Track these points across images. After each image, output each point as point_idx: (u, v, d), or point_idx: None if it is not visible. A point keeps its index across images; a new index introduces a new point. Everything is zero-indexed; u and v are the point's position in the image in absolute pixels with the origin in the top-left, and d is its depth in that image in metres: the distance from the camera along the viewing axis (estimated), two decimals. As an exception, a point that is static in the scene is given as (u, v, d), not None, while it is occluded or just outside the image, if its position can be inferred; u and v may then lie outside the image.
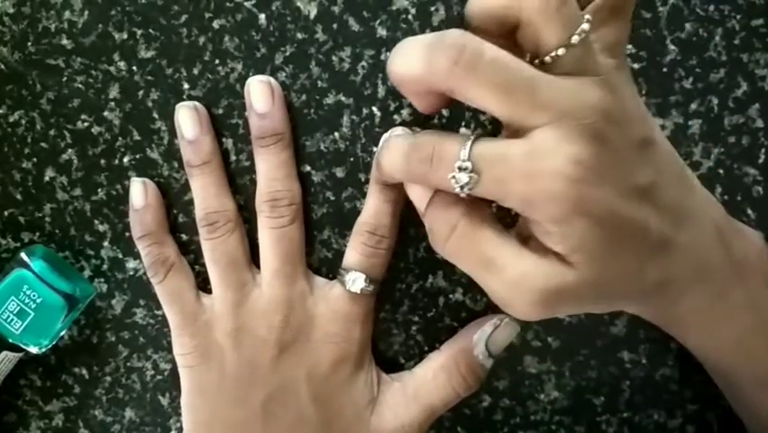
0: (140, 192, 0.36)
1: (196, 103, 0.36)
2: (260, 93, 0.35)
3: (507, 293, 0.28)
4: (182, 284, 0.36)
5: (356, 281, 0.35)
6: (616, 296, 0.29)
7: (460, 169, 0.27)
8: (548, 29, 0.26)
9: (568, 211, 0.26)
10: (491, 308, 0.37)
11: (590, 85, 0.27)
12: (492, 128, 0.36)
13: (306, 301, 0.35)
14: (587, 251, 0.27)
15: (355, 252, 0.35)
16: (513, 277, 0.28)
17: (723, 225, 0.31)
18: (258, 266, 0.36)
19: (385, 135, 0.34)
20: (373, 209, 0.35)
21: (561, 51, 0.26)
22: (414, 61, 0.27)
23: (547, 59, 0.27)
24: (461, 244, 0.28)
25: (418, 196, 0.31)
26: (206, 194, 0.36)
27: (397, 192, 0.35)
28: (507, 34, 0.27)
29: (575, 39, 0.26)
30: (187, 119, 0.35)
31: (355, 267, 0.35)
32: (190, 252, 0.37)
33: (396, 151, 0.29)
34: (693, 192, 0.31)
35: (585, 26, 0.26)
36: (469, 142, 0.27)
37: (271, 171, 0.35)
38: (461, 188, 0.27)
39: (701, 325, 0.32)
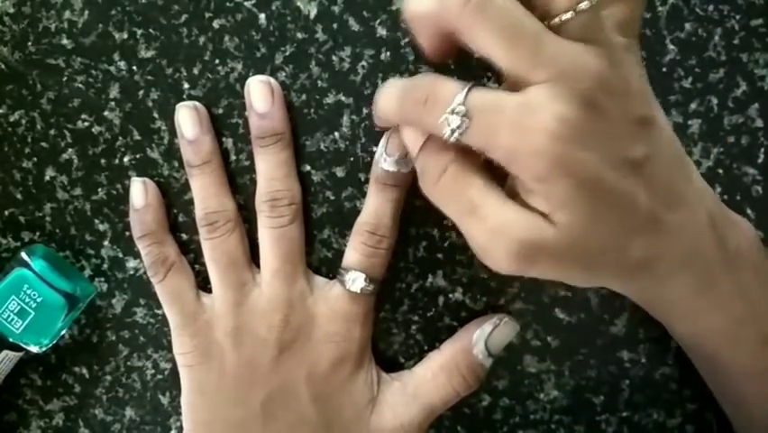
0: (140, 192, 0.36)
1: (196, 103, 0.36)
2: (260, 93, 0.35)
3: (487, 241, 0.28)
4: (182, 284, 0.36)
5: (356, 281, 0.35)
6: (597, 266, 0.29)
7: (452, 112, 0.27)
8: None
9: (550, 168, 0.26)
10: (491, 308, 0.37)
11: (593, 52, 0.27)
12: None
13: (306, 301, 0.35)
14: (568, 211, 0.27)
15: (355, 251, 0.35)
16: (494, 225, 0.28)
17: (717, 214, 0.31)
18: (258, 266, 0.36)
19: (386, 135, 0.35)
20: (373, 209, 0.35)
21: (569, 15, 0.27)
22: (427, 0, 0.28)
23: (555, 20, 0.27)
24: (449, 188, 0.29)
25: (411, 139, 0.31)
26: (206, 194, 0.36)
27: (397, 192, 0.35)
28: None
29: (584, 5, 0.27)
30: (187, 119, 0.35)
31: (355, 267, 0.35)
32: (190, 251, 0.37)
33: (391, 93, 0.30)
34: (689, 178, 0.31)
35: None
36: (465, 88, 0.27)
37: (271, 171, 0.35)
38: (452, 132, 0.27)
39: (688, 311, 0.32)
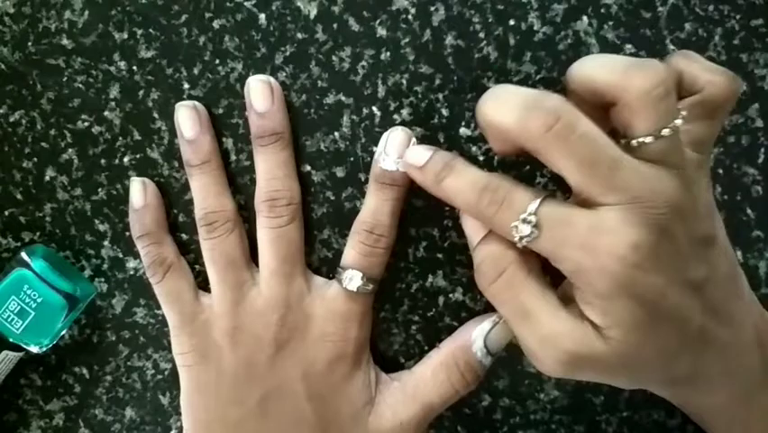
0: (139, 192, 0.36)
1: (196, 102, 0.36)
2: (259, 92, 0.35)
3: (537, 347, 0.29)
4: (181, 284, 0.36)
5: (353, 280, 0.35)
6: (642, 376, 0.30)
7: (524, 220, 0.28)
8: (643, 116, 0.27)
9: (615, 289, 0.27)
10: (491, 308, 0.37)
11: (668, 177, 0.27)
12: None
13: (304, 300, 0.35)
14: (624, 329, 0.28)
15: (353, 250, 0.35)
16: (545, 334, 0.29)
17: (762, 328, 0.32)
18: (258, 265, 0.36)
19: (385, 135, 0.34)
20: (372, 208, 0.35)
21: (649, 140, 0.27)
22: (508, 115, 0.28)
23: (634, 143, 0.28)
24: (504, 289, 0.30)
25: (473, 229, 0.32)
26: (206, 194, 0.36)
27: (396, 191, 0.35)
28: (601, 106, 0.28)
29: (666, 132, 0.27)
30: (187, 119, 0.35)
31: (353, 266, 0.35)
32: (190, 251, 0.37)
33: (467, 182, 0.30)
34: (741, 294, 0.31)
35: (678, 122, 0.27)
36: (539, 198, 0.28)
37: (270, 171, 0.35)
38: (521, 238, 0.28)
39: (728, 420, 0.33)
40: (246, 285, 0.35)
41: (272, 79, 0.35)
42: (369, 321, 0.36)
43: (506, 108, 0.28)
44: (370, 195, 0.35)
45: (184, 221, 0.37)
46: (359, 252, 0.35)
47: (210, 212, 0.35)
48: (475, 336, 0.35)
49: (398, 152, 0.34)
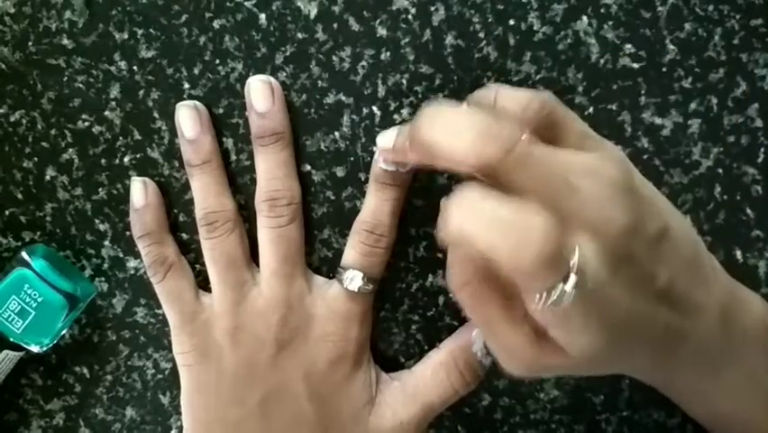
0: (140, 192, 0.36)
1: (197, 102, 0.36)
2: (260, 92, 0.35)
3: (499, 353, 0.29)
4: (181, 284, 0.36)
5: (354, 280, 0.35)
6: (609, 369, 0.30)
7: None
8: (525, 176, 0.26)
9: (579, 318, 0.26)
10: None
11: (619, 201, 0.26)
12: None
13: (305, 300, 0.35)
14: (587, 348, 0.27)
15: (353, 250, 0.35)
16: (505, 345, 0.28)
17: (728, 303, 0.31)
18: (259, 265, 0.36)
19: (382, 135, 0.34)
20: (372, 208, 0.35)
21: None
22: (462, 145, 0.26)
23: None
24: (470, 299, 0.29)
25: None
26: (206, 193, 0.36)
27: (396, 191, 0.35)
28: None
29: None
30: (188, 118, 0.35)
31: (353, 265, 0.35)
32: (191, 251, 0.37)
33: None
34: (703, 277, 0.30)
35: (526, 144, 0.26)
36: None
37: (271, 171, 0.35)
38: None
39: (699, 396, 0.33)
40: (247, 285, 0.35)
41: (273, 79, 0.35)
42: (369, 321, 0.36)
43: (459, 139, 0.26)
44: (370, 195, 0.35)
45: (184, 221, 0.37)
46: (359, 252, 0.35)
47: (210, 212, 0.35)
48: (475, 336, 0.35)
49: None
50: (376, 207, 0.35)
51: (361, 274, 0.35)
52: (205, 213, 0.35)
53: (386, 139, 0.32)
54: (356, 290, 0.35)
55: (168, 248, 0.36)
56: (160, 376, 0.38)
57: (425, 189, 0.36)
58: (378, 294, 0.36)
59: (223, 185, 0.36)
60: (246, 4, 0.36)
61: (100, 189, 0.37)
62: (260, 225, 0.35)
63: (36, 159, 0.37)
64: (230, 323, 0.35)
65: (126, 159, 0.37)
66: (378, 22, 0.36)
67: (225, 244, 0.35)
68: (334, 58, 0.36)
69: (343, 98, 0.36)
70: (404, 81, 0.36)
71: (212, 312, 0.36)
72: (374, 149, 0.36)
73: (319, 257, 0.37)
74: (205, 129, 0.36)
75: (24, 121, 0.37)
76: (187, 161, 0.36)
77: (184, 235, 0.37)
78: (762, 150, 0.36)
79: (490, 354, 0.35)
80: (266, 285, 0.35)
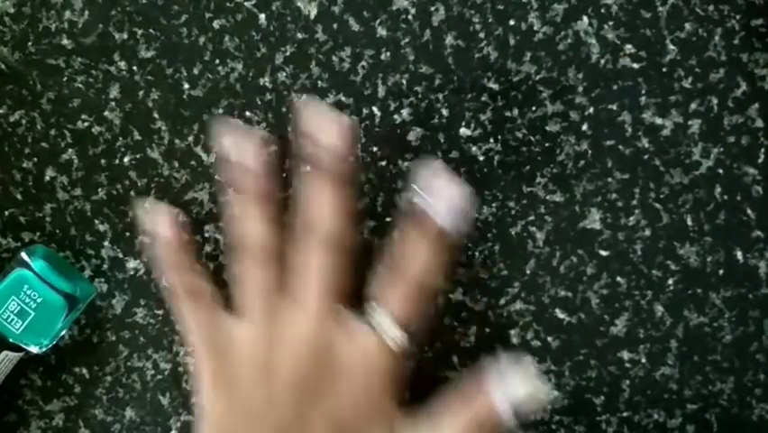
0: (165, 224, 0.35)
1: (263, 132, 0.35)
2: (327, 124, 0.33)
3: None
4: (210, 310, 0.35)
5: (386, 324, 0.33)
6: None
7: None
8: None
9: None
10: (490, 308, 0.37)
11: None
12: (492, 128, 0.36)
13: (334, 339, 0.34)
14: None
15: (390, 296, 0.34)
16: None
17: None
18: (296, 300, 0.35)
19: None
20: (407, 255, 0.34)
21: None
22: None
23: None
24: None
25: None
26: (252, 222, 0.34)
27: (443, 246, 0.34)
28: None
29: None
30: (248, 148, 0.34)
31: (386, 309, 0.34)
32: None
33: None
34: None
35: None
36: None
37: (322, 204, 0.34)
38: None
39: None
40: (281, 319, 0.34)
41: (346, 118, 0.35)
42: (399, 362, 0.35)
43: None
44: (408, 239, 0.34)
45: (184, 221, 0.37)
46: (396, 298, 0.34)
47: (253, 240, 0.34)
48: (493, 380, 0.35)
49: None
50: (413, 254, 0.34)
51: (395, 320, 0.34)
52: (245, 240, 0.34)
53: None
54: (387, 334, 0.34)
55: (197, 275, 0.35)
56: (159, 377, 0.38)
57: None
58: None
59: (270, 215, 0.35)
60: (246, 4, 0.36)
61: (100, 190, 0.37)
62: (303, 259, 0.34)
63: (36, 159, 0.37)
64: (258, 355, 0.34)
65: (126, 159, 0.37)
66: (378, 22, 0.36)
67: (262, 274, 0.34)
68: (334, 58, 0.36)
69: (343, 98, 0.36)
70: (404, 81, 0.36)
71: (240, 341, 0.34)
72: (374, 149, 0.36)
73: (319, 257, 0.37)
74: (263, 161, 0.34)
75: (24, 121, 0.37)
76: (235, 187, 0.35)
77: (184, 236, 0.37)
78: (762, 150, 0.36)
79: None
80: (299, 320, 0.34)
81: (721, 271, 0.36)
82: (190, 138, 0.37)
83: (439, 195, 0.33)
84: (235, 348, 0.34)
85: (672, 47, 0.36)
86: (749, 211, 0.36)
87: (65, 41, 0.36)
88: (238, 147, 0.34)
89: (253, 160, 0.34)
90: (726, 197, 0.36)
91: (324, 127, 0.33)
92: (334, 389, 0.33)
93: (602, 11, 0.35)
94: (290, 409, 0.33)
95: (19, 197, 0.37)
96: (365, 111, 0.36)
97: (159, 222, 0.35)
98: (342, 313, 0.34)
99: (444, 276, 0.35)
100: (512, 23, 0.35)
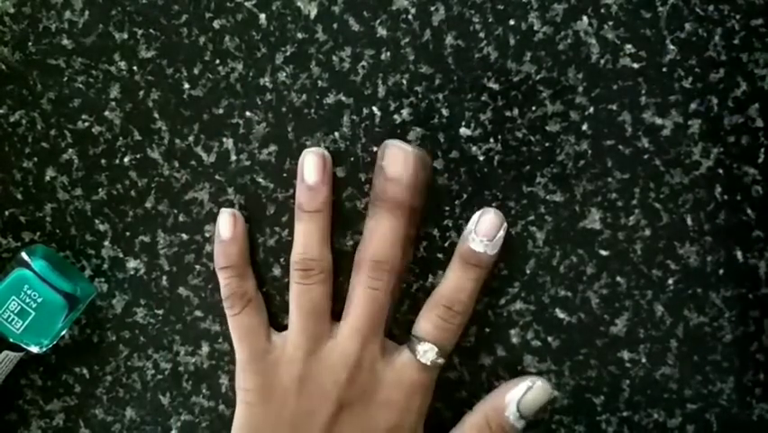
0: (228, 224, 0.36)
1: (325, 151, 0.36)
2: (313, 165, 0.35)
3: None
4: (256, 320, 0.36)
5: (428, 353, 0.35)
6: None
7: None
8: None
9: None
10: (490, 308, 0.37)
11: None
12: (492, 128, 0.36)
13: (376, 364, 0.35)
14: None
15: (430, 323, 0.35)
16: None
17: None
18: (344, 319, 0.36)
19: (477, 214, 0.35)
20: (453, 285, 0.35)
21: None
22: None
23: None
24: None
25: None
26: (310, 240, 0.35)
27: (480, 272, 0.35)
28: None
29: None
30: (313, 165, 0.35)
31: (428, 338, 0.35)
32: (190, 251, 0.37)
33: None
34: None
35: None
36: None
37: (383, 235, 0.35)
38: None
39: None
40: (324, 337, 0.35)
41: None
42: (431, 392, 0.36)
43: None
44: (452, 270, 0.35)
45: (184, 221, 0.37)
46: (435, 325, 0.35)
47: (309, 259, 0.35)
48: (509, 399, 0.35)
49: (489, 234, 0.34)
50: (457, 284, 0.35)
51: (436, 349, 0.35)
52: (303, 258, 0.35)
53: (486, 224, 0.34)
54: (428, 363, 0.35)
55: (248, 282, 0.36)
56: (159, 377, 0.38)
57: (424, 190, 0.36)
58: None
59: (327, 236, 0.36)
60: (246, 4, 0.36)
61: (100, 190, 0.37)
62: (358, 283, 0.35)
63: (36, 159, 0.37)
64: (300, 371, 0.35)
65: (126, 159, 0.37)
66: (378, 22, 0.36)
67: (315, 292, 0.35)
68: (334, 58, 0.36)
69: (343, 98, 0.36)
70: (404, 81, 0.36)
71: (283, 354, 0.35)
72: (374, 149, 0.36)
73: (319, 257, 0.37)
74: (326, 179, 0.35)
75: (24, 121, 0.37)
76: (300, 204, 0.35)
77: (184, 236, 0.37)
78: (762, 150, 0.36)
79: (523, 417, 0.35)
80: (344, 342, 0.35)
81: (721, 271, 0.36)
82: (190, 138, 0.37)
83: (486, 230, 0.35)
84: (277, 358, 0.36)
85: (672, 47, 0.36)
86: (749, 211, 0.36)
87: (65, 41, 0.36)
88: (310, 168, 0.35)
89: (322, 180, 0.35)
90: (726, 197, 0.36)
91: (394, 159, 0.34)
92: (369, 409, 0.35)
93: (602, 11, 0.35)
94: (324, 423, 0.35)
95: (19, 197, 0.37)
96: (365, 111, 0.36)
97: (223, 220, 0.36)
98: (382, 337, 0.36)
99: (476, 298, 0.36)
100: (512, 22, 0.35)
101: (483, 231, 0.35)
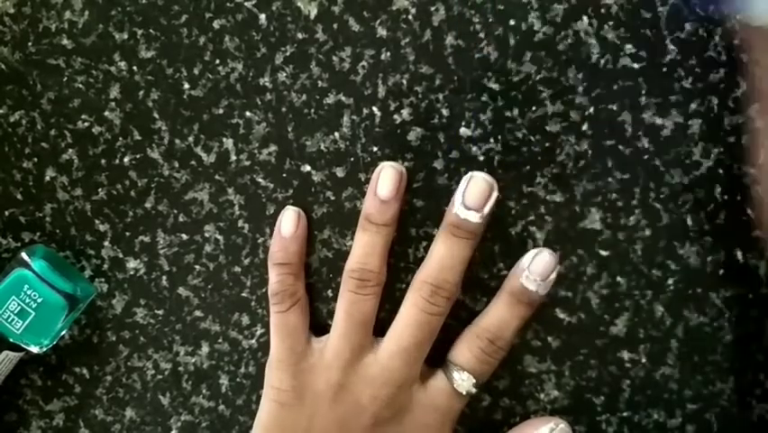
0: (292, 221, 0.36)
1: (403, 168, 0.36)
2: (389, 179, 0.35)
3: None
4: (301, 321, 0.36)
5: (465, 382, 0.35)
6: None
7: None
8: None
9: None
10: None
11: None
12: (492, 128, 0.36)
13: (413, 385, 0.35)
14: None
15: (470, 354, 0.35)
16: None
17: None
18: (387, 337, 0.36)
19: (532, 252, 0.35)
20: (499, 319, 0.35)
21: None
22: None
23: None
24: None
25: None
26: (371, 251, 0.35)
27: (528, 311, 0.35)
28: None
29: None
30: (389, 179, 0.35)
31: (467, 368, 0.35)
32: (190, 251, 0.37)
33: None
34: None
35: None
36: None
37: (443, 259, 0.35)
38: None
39: None
40: (365, 350, 0.35)
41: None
42: (458, 418, 0.36)
43: None
44: (500, 305, 0.35)
45: (184, 221, 0.37)
46: (476, 356, 0.35)
47: (369, 270, 0.35)
48: None
49: (544, 275, 0.34)
50: (503, 319, 0.35)
51: (473, 380, 0.35)
52: (362, 268, 0.35)
53: (543, 264, 0.34)
54: (463, 392, 0.35)
55: (299, 282, 0.36)
56: (159, 377, 0.38)
57: (425, 189, 0.36)
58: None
59: (386, 251, 0.36)
60: (246, 4, 0.36)
61: (100, 190, 0.37)
62: (412, 303, 0.35)
63: (36, 159, 0.37)
64: (338, 379, 0.35)
65: (126, 159, 0.37)
66: (378, 22, 0.36)
67: (366, 303, 0.35)
68: (334, 58, 0.36)
69: (343, 98, 0.36)
70: (404, 81, 0.36)
71: (321, 360, 0.35)
72: (375, 149, 0.36)
73: (319, 257, 0.37)
74: (399, 196, 0.35)
75: (24, 121, 0.37)
76: (368, 215, 0.35)
77: (184, 236, 0.37)
78: (762, 150, 0.36)
79: None
80: (388, 358, 0.35)
81: (721, 271, 0.36)
82: (190, 138, 0.37)
83: (542, 270, 0.35)
84: (315, 363, 0.36)
85: (672, 47, 0.35)
86: (749, 211, 0.36)
87: (65, 41, 0.36)
88: (386, 181, 0.35)
89: (395, 196, 0.35)
90: (725, 197, 0.36)
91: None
92: (401, 429, 0.35)
93: (602, 11, 0.35)
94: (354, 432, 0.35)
95: (19, 197, 0.37)
96: (365, 111, 0.36)
97: (287, 217, 0.36)
98: (423, 360, 0.36)
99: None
100: (512, 22, 0.35)
101: (539, 271, 0.34)
